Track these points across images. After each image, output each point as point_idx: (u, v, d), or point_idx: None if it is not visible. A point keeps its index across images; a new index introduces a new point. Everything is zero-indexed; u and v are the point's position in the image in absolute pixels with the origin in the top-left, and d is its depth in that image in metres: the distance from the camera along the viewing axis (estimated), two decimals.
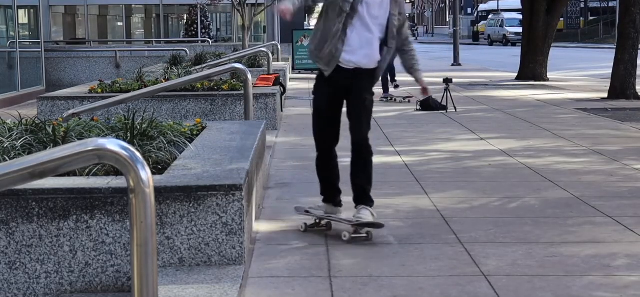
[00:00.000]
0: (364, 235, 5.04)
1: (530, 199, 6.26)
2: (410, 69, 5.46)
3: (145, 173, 2.65)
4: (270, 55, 14.09)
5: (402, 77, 14.88)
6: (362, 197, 5.20)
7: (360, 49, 5.11)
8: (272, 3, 25.70)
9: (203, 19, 32.70)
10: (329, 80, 5.19)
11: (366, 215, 5.10)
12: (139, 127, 5.05)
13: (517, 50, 27.20)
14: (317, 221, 5.33)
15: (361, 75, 5.16)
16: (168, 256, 4.05)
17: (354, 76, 5.14)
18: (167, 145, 4.90)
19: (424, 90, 5.63)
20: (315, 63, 5.30)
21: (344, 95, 5.23)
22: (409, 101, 13.88)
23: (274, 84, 11.47)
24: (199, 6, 30.09)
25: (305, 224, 5.30)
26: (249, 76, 7.78)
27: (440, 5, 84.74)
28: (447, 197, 6.33)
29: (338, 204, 5.39)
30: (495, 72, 23.27)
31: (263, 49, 15.98)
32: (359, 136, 5.17)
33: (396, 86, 15.10)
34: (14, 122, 5.28)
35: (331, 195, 5.39)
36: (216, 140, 5.56)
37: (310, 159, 8.32)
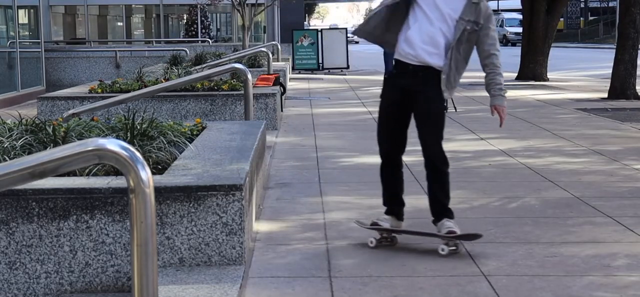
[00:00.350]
0: (454, 248, 4.77)
1: (530, 199, 6.25)
2: (488, 92, 4.97)
3: (145, 173, 2.65)
4: (270, 55, 14.09)
5: None
6: (443, 211, 4.89)
7: (421, 43, 4.75)
8: (272, 3, 25.80)
9: (203, 19, 32.73)
10: (393, 80, 4.92)
11: (452, 226, 4.82)
12: (139, 127, 5.05)
13: (517, 50, 27.20)
14: (384, 235, 4.96)
15: (426, 78, 4.78)
16: (168, 256, 4.05)
17: (418, 78, 4.79)
18: (167, 145, 4.90)
19: (500, 120, 4.95)
20: (357, 35, 4.98)
21: (410, 102, 4.86)
22: None
23: (274, 84, 11.47)
24: (199, 6, 30.11)
25: (375, 238, 4.91)
26: (249, 76, 7.78)
27: None
28: None
29: (401, 217, 5.06)
30: None
31: (263, 49, 15.98)
32: (428, 150, 4.87)
33: None
34: (14, 122, 5.28)
35: (395, 207, 5.06)
36: (216, 140, 5.56)
37: (310, 159, 8.37)
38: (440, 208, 4.90)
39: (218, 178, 4.18)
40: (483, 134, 9.92)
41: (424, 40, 4.75)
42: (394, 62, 5.00)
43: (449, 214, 4.90)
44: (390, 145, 5.01)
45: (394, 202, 5.07)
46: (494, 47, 4.86)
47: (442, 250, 4.73)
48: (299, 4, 30.78)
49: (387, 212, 5.07)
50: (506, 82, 17.82)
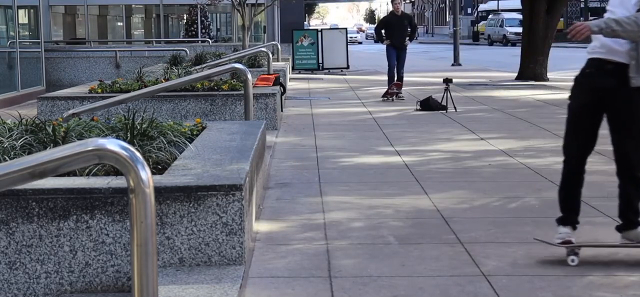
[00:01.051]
0: None
1: (530, 199, 6.26)
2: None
3: (145, 173, 2.65)
4: (270, 55, 14.09)
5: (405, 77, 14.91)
6: (637, 220, 4.66)
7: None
8: (272, 3, 25.79)
9: (203, 19, 32.71)
10: (587, 81, 4.62)
11: None
12: (139, 127, 5.05)
13: (517, 50, 27.21)
14: (576, 250, 4.60)
15: (627, 78, 4.44)
16: (168, 256, 4.05)
17: (617, 79, 4.47)
18: (167, 145, 4.90)
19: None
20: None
21: (605, 105, 4.56)
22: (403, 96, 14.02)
23: (274, 84, 11.48)
24: (199, 6, 30.10)
25: (576, 256, 4.56)
26: (249, 76, 7.78)
27: (440, 5, 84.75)
28: (447, 197, 6.33)
29: (576, 227, 4.75)
30: (495, 72, 23.28)
31: (263, 49, 15.98)
32: (628, 157, 4.58)
33: (399, 94, 14.81)
34: (14, 122, 5.28)
35: (574, 217, 4.74)
36: (216, 140, 5.56)
37: (310, 159, 8.36)
38: (635, 216, 4.66)
39: (218, 178, 4.18)
40: (483, 134, 9.92)
41: None
42: (587, 61, 4.70)
43: None
44: (579, 149, 4.70)
45: (574, 212, 4.76)
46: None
47: None
48: (299, 4, 30.75)
49: (563, 222, 4.76)
50: (506, 82, 17.81)
